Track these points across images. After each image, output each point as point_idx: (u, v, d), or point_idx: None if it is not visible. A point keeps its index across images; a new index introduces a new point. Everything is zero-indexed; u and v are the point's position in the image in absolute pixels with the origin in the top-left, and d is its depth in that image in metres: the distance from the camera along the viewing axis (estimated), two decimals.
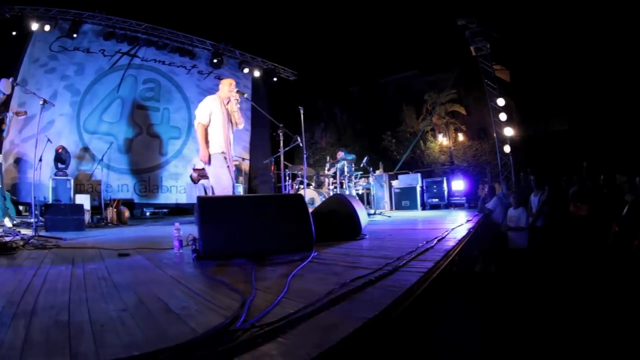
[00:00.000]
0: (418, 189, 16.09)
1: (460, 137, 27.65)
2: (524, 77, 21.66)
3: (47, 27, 16.07)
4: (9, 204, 10.51)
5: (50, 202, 9.34)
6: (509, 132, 18.24)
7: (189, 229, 5.89)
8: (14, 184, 14.00)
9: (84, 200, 12.00)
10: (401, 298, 2.46)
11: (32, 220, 9.63)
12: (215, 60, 19.74)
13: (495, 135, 18.76)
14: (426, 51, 25.03)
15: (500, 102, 18.34)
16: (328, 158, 14.45)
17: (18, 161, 14.58)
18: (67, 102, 15.81)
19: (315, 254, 4.30)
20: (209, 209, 4.47)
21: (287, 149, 9.65)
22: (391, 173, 18.08)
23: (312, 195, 12.62)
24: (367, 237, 5.94)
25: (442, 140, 28.09)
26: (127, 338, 1.93)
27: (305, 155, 9.44)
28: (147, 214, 17.59)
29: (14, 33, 15.77)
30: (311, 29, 23.85)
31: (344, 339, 1.81)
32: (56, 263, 4.60)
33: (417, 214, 14.04)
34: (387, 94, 30.11)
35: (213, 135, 6.96)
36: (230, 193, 6.69)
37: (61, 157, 12.88)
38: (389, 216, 12.14)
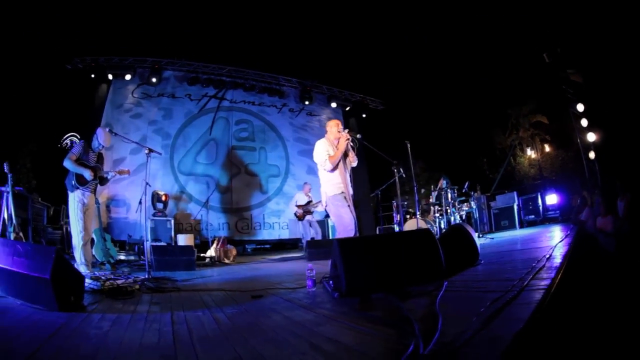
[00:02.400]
0: (515, 208, 15.69)
1: (547, 147, 26.45)
2: (598, 79, 20.42)
3: (127, 77, 16.55)
4: (109, 245, 10.43)
5: (150, 241, 9.10)
6: (591, 137, 17.08)
7: (297, 266, 7.06)
8: (108, 223, 14.03)
9: (187, 240, 11.91)
10: (535, 312, 2.63)
11: (142, 261, 9.86)
12: (304, 98, 19.53)
13: (578, 142, 17.65)
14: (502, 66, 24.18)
15: (580, 107, 17.21)
16: (432, 187, 14.03)
17: (110, 201, 14.73)
18: (159, 145, 15.65)
19: (446, 283, 4.24)
20: (349, 249, 4.51)
21: (391, 181, 9.92)
22: (488, 194, 17.61)
23: (421, 225, 12.23)
24: (482, 262, 5.89)
25: (530, 153, 27.05)
26: None
27: (415, 187, 9.61)
28: (249, 250, 17.46)
29: (92, 75, 16.23)
30: (396, 58, 23.43)
31: (515, 337, 2.12)
32: (188, 308, 4.41)
33: (516, 232, 13.73)
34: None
35: (331, 177, 6.98)
36: (352, 231, 6.63)
37: (160, 198, 12.81)
38: (492, 238, 11.71)
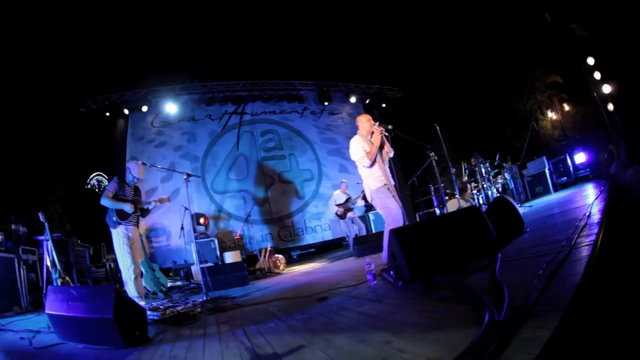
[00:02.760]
0: (547, 172, 15.54)
1: (566, 106, 25.95)
2: (603, 28, 19.92)
3: (144, 108, 16.63)
4: (158, 274, 10.40)
5: (200, 264, 9.11)
6: (607, 89, 16.72)
7: (347, 264, 7.42)
8: (150, 253, 13.98)
9: (234, 257, 11.90)
10: (588, 266, 2.80)
11: (192, 284, 10.48)
12: (324, 99, 19.42)
13: (595, 95, 17.30)
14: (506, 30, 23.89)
15: (590, 61, 16.96)
16: (463, 164, 13.97)
17: (149, 232, 14.82)
18: (188, 169, 15.50)
19: (500, 254, 4.26)
20: (405, 237, 4.56)
21: (424, 166, 9.92)
22: (519, 163, 17.48)
23: (462, 204, 12.16)
24: (528, 230, 5.91)
25: (551, 115, 26.59)
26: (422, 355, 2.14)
27: (451, 168, 9.81)
28: (295, 256, 17.54)
29: (107, 114, 16.30)
30: (407, 43, 23.37)
31: (577, 289, 2.34)
32: (258, 321, 4.38)
33: (552, 197, 13.69)
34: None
35: (371, 171, 7.02)
36: (401, 220, 6.70)
37: (199, 221, 13.12)
38: (530, 206, 11.79)
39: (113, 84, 16.81)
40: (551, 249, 3.72)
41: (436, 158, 9.09)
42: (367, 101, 20.21)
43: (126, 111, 16.27)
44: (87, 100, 16.10)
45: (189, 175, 8.08)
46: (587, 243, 3.51)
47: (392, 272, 4.72)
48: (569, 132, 25.13)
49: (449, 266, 4.36)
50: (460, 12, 22.14)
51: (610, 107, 16.83)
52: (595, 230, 3.96)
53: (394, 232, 4.66)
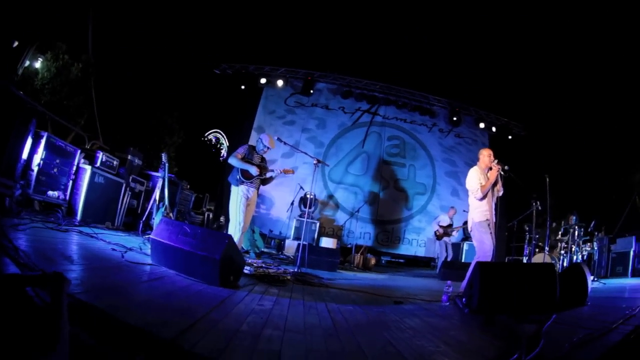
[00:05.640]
0: (631, 254, 13.98)
1: None
2: None
3: (279, 83, 17.21)
4: (257, 237, 11.22)
5: (293, 240, 9.52)
6: None
7: (430, 283, 8.01)
8: (253, 216, 14.41)
9: (330, 243, 12.28)
10: (611, 349, 3.21)
11: (282, 255, 11.38)
12: (454, 119, 19.29)
13: None
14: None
15: None
16: (563, 222, 13.54)
17: (258, 196, 15.10)
18: (311, 153, 15.74)
19: (555, 315, 4.47)
20: (487, 273, 4.98)
21: (526, 213, 9.89)
22: (611, 236, 16.38)
23: (547, 260, 11.74)
24: (589, 303, 5.86)
25: None
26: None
27: (549, 222, 10.10)
28: (384, 262, 17.42)
29: (242, 87, 17.01)
30: (543, 83, 22.73)
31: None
32: (339, 302, 5.04)
33: (626, 281, 12.77)
34: None
35: (479, 204, 7.19)
36: (490, 257, 6.85)
37: (310, 202, 13.30)
38: (604, 283, 11.13)
39: (253, 54, 17.58)
40: (595, 325, 3.97)
41: (539, 208, 9.10)
42: (494, 130, 19.96)
43: (263, 80, 16.92)
44: (223, 64, 16.92)
45: (319, 161, 8.56)
46: (625, 331, 3.66)
47: (464, 299, 5.23)
48: None
49: (511, 309, 4.71)
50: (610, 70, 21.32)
51: None
52: (638, 323, 4.00)
53: (480, 264, 5.05)
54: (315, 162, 8.44)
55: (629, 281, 12.70)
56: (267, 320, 3.17)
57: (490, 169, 7.18)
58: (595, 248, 13.99)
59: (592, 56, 21.00)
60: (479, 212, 7.06)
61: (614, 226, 20.83)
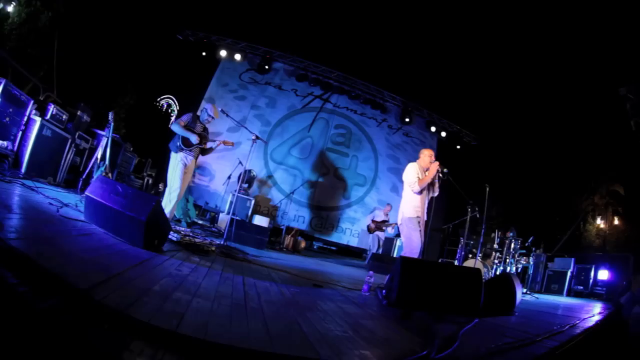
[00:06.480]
0: (568, 274, 15.10)
1: (616, 220, 25.00)
2: None
3: (237, 57, 17.17)
4: (190, 206, 11.28)
5: (227, 214, 9.62)
6: None
7: (357, 272, 7.95)
8: (189, 187, 14.27)
9: (263, 221, 12.13)
10: None
11: (214, 228, 11.28)
12: (406, 117, 19.58)
13: None
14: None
15: None
16: (498, 232, 13.64)
17: (197, 168, 14.92)
18: (256, 130, 16.04)
19: (477, 320, 4.75)
20: (409, 268, 5.03)
21: (469, 217, 9.78)
22: (549, 254, 16.93)
23: (479, 267, 11.98)
24: (517, 314, 6.26)
25: (600, 223, 25.67)
26: (357, 351, 2.74)
27: (483, 231, 9.91)
28: (316, 247, 17.69)
29: (204, 53, 16.91)
30: (499, 98, 23.12)
31: None
32: (258, 278, 5.12)
33: (561, 299, 13.41)
34: None
35: (412, 200, 7.25)
36: (417, 253, 6.94)
37: (249, 178, 13.39)
38: (537, 297, 11.59)
39: (217, 24, 17.44)
40: (518, 336, 4.16)
41: (477, 215, 9.39)
42: (444, 135, 20.21)
43: (223, 52, 16.85)
44: (187, 30, 16.79)
45: (257, 137, 8.66)
46: (548, 346, 3.88)
47: (384, 291, 5.32)
48: (609, 246, 24.49)
49: (432, 308, 4.87)
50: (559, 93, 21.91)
51: None
52: (563, 340, 4.31)
53: (402, 258, 5.12)
54: (253, 137, 8.55)
55: (564, 299, 13.32)
56: (180, 285, 3.29)
57: (429, 169, 7.31)
58: (531, 263, 14.53)
59: (550, 77, 21.60)
60: (411, 207, 7.16)
61: (554, 245, 21.54)
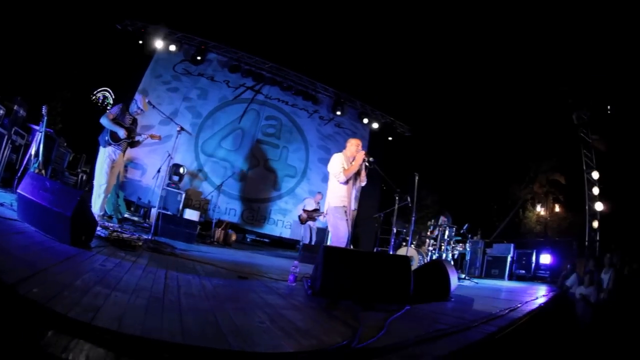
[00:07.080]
0: (508, 259, 15.65)
1: (557, 208, 26.16)
2: (620, 150, 19.92)
3: (172, 47, 16.94)
4: (121, 202, 11.39)
5: (157, 209, 9.66)
6: (599, 207, 17.16)
7: (288, 263, 7.46)
8: (122, 182, 14.24)
9: (193, 215, 12.19)
10: (464, 349, 3.25)
11: (146, 224, 11.22)
12: (337, 110, 19.84)
13: (587, 209, 17.76)
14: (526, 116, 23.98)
15: (595, 175, 17.40)
16: (432, 220, 14.08)
17: (128, 162, 15.11)
18: (187, 122, 16.20)
19: (409, 307, 4.77)
20: (331, 257, 5.10)
21: (397, 206, 9.63)
22: (487, 240, 17.43)
23: (412, 254, 12.35)
24: (453, 300, 6.33)
25: (540, 210, 26.81)
26: (272, 342, 2.75)
27: (414, 219, 9.92)
28: (249, 240, 17.70)
29: (140, 42, 16.62)
30: (434, 90, 23.58)
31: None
32: (181, 271, 5.18)
33: (503, 283, 13.83)
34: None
35: (338, 189, 7.31)
36: (344, 244, 7.04)
37: (178, 172, 13.45)
38: (477, 282, 11.93)
39: (157, 15, 17.13)
40: (452, 322, 4.21)
41: (409, 204, 9.61)
42: (376, 126, 20.47)
43: (159, 42, 16.56)
44: (127, 20, 16.48)
45: (182, 129, 8.69)
46: (486, 332, 3.91)
47: (309, 281, 5.32)
48: (550, 232, 25.19)
49: (360, 297, 4.86)
50: (497, 80, 22.38)
51: (595, 224, 17.23)
52: (502, 324, 4.36)
53: (325, 248, 5.22)
54: (178, 128, 8.62)
55: (506, 283, 13.76)
56: (101, 279, 3.42)
57: (355, 158, 7.36)
58: (468, 249, 14.85)
59: (490, 67, 22.09)
60: (337, 197, 7.24)
61: (492, 232, 22.10)
